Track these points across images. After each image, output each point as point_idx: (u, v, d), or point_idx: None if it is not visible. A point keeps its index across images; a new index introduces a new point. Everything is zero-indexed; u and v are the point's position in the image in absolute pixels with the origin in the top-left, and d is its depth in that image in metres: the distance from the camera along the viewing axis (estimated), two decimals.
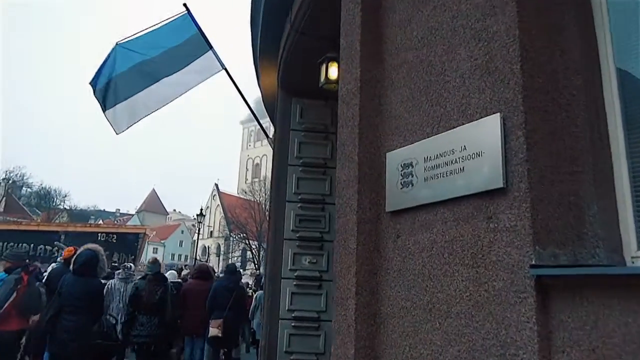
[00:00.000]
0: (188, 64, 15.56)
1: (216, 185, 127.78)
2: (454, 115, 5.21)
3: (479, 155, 4.75)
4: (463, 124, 5.04)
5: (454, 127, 5.15)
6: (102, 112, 14.70)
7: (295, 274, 10.72)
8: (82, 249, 11.91)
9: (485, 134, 4.73)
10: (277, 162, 11.94)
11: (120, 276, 15.11)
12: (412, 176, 5.53)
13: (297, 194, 10.92)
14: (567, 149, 4.60)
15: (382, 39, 6.57)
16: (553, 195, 4.34)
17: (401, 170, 5.73)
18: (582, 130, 4.69)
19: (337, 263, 6.07)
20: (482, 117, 4.83)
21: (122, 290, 14.80)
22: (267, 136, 13.29)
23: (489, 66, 4.85)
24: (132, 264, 15.45)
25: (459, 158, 4.97)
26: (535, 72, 4.61)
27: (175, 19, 16.04)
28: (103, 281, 13.50)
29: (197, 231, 53.28)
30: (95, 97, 14.88)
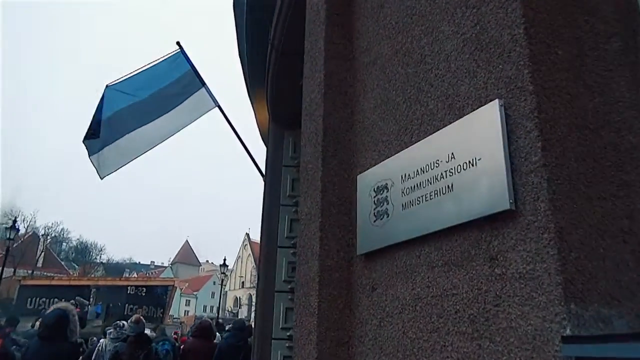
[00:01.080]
0: (180, 103, 14.70)
1: (247, 234, 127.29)
2: (438, 113, 3.66)
3: (472, 165, 3.16)
4: (450, 122, 3.48)
5: (438, 129, 3.60)
6: (87, 156, 13.83)
7: (288, 334, 9.00)
8: (50, 309, 10.51)
9: (480, 133, 3.16)
10: (267, 202, 10.50)
11: (111, 336, 13.67)
12: (387, 203, 3.94)
13: (290, 238, 9.25)
14: (608, 149, 2.96)
15: (352, 34, 5.18)
16: (592, 218, 2.68)
17: (374, 197, 4.16)
18: (628, 119, 3.06)
19: (297, 327, 4.43)
20: (474, 109, 3.27)
21: (113, 351, 13.36)
22: (262, 175, 11.93)
23: (480, 39, 3.34)
24: (124, 322, 14.00)
25: (445, 172, 3.39)
26: (547, 37, 3.05)
27: (167, 58, 15.33)
28: (95, 339, 11.87)
29: (220, 282, 51.70)
30: (83, 142, 14.10)
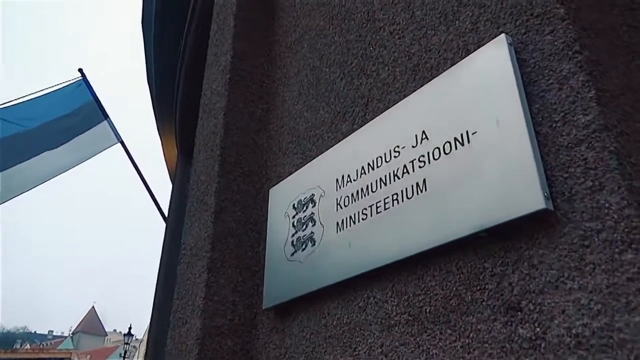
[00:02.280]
0: (78, 135, 12.64)
1: None
2: (395, 81, 2.36)
3: (460, 144, 1.83)
4: (415, 89, 2.16)
5: (395, 102, 2.26)
6: None
7: None
8: None
9: (471, 94, 1.86)
10: (166, 253, 8.58)
11: None
12: (313, 224, 2.48)
13: None
14: None
15: (274, 10, 3.87)
16: None
17: (293, 217, 2.67)
18: None
19: None
20: (457, 61, 1.98)
21: None
22: (164, 219, 10.05)
23: None
24: None
25: (411, 162, 2.02)
26: None
27: (68, 85, 13.34)
28: None
29: (123, 354, 45.52)
30: None
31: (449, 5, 2.19)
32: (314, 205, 2.55)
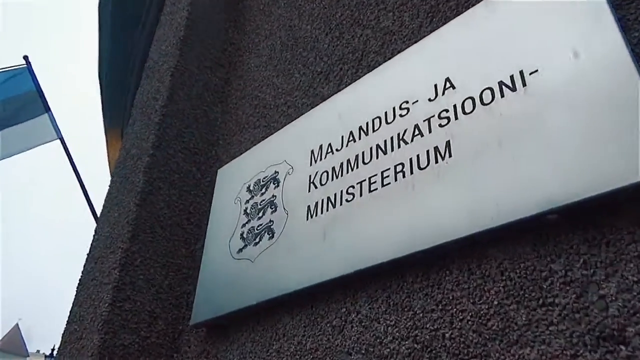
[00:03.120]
0: (12, 125, 11.39)
1: None
2: (408, 19, 1.76)
3: (513, 86, 1.21)
4: (435, 28, 1.57)
5: (405, 48, 1.65)
6: None
7: None
8: None
9: (531, 13, 1.27)
10: None
11: None
12: (274, 209, 1.79)
13: None
14: None
15: None
16: None
17: (246, 202, 1.97)
18: None
19: None
20: None
21: None
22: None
23: None
24: None
25: (437, 115, 1.39)
26: None
27: (9, 70, 12.15)
28: None
29: None
30: None
31: None
32: (277, 186, 1.87)
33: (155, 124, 2.51)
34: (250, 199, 1.99)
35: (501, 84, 1.27)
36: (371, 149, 1.55)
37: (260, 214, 1.88)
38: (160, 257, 2.18)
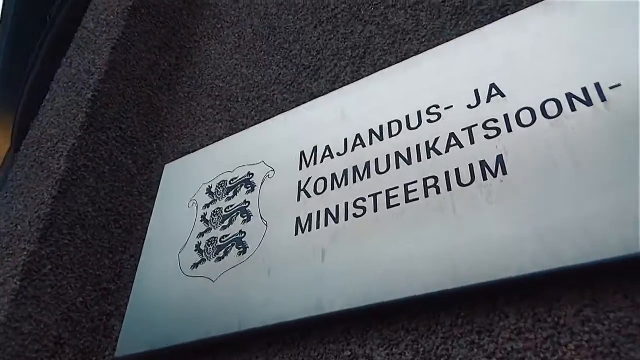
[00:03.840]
0: None
1: None
2: (426, 19, 1.54)
3: (589, 101, 1.01)
4: (468, 32, 1.37)
5: (423, 50, 1.43)
6: None
7: None
8: None
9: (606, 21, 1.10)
10: None
11: None
12: (246, 218, 1.44)
13: None
14: None
15: None
16: None
17: (205, 206, 1.60)
18: None
19: None
20: None
21: None
22: None
23: None
24: None
25: (482, 125, 1.16)
26: None
27: None
28: None
29: None
30: None
31: None
32: (251, 190, 1.52)
33: (88, 100, 2.04)
34: (211, 203, 1.61)
35: (570, 96, 1.08)
36: (388, 157, 1.28)
37: (227, 223, 1.51)
38: (76, 266, 1.70)
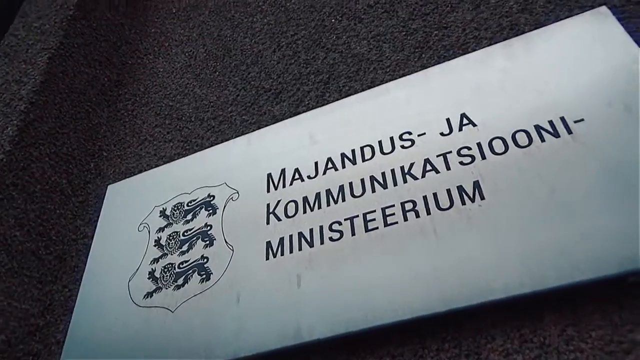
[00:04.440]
0: None
1: None
2: (389, 51, 1.60)
3: (556, 133, 1.10)
4: (430, 65, 1.43)
5: (386, 80, 1.47)
6: None
7: None
8: None
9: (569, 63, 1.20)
10: None
11: None
12: (208, 243, 1.37)
13: None
14: None
15: None
16: None
17: (159, 230, 1.50)
18: None
19: None
20: (519, 31, 1.36)
21: None
22: None
23: None
24: None
25: (456, 152, 1.19)
26: None
27: None
28: None
29: None
30: None
31: None
32: (213, 213, 1.44)
33: (20, 112, 1.85)
34: (166, 226, 1.50)
35: (539, 127, 1.15)
36: (363, 180, 1.28)
37: (185, 248, 1.41)
38: (1, 299, 1.49)
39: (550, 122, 1.15)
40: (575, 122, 1.12)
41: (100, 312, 1.40)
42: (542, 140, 1.13)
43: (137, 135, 2.02)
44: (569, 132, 1.11)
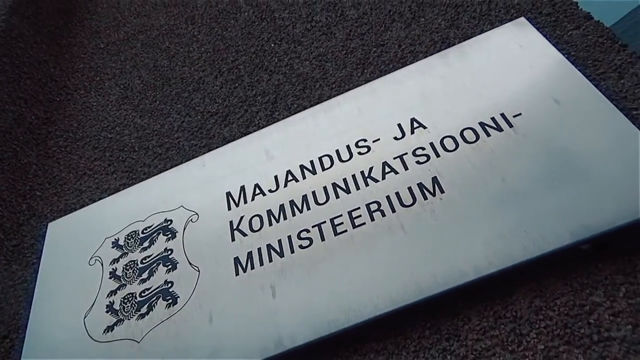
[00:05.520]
0: None
1: None
2: (333, 69, 1.68)
3: (498, 126, 1.22)
4: (373, 78, 1.53)
5: (342, 91, 1.54)
6: None
7: None
8: None
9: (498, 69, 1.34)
10: None
11: None
12: (171, 267, 1.33)
13: None
14: None
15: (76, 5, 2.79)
16: None
17: (113, 261, 1.43)
18: None
19: None
20: (441, 47, 1.50)
21: None
22: None
23: None
24: None
25: (411, 153, 1.27)
26: None
27: None
28: None
29: None
30: None
31: None
32: (172, 237, 1.40)
33: None
34: (121, 256, 1.42)
35: (483, 124, 1.25)
36: (325, 188, 1.31)
37: (146, 275, 1.34)
38: None
39: (493, 119, 1.26)
40: (514, 116, 1.24)
41: (54, 355, 1.28)
42: (488, 135, 1.23)
43: (74, 171, 1.91)
44: (510, 125, 1.23)
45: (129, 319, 1.27)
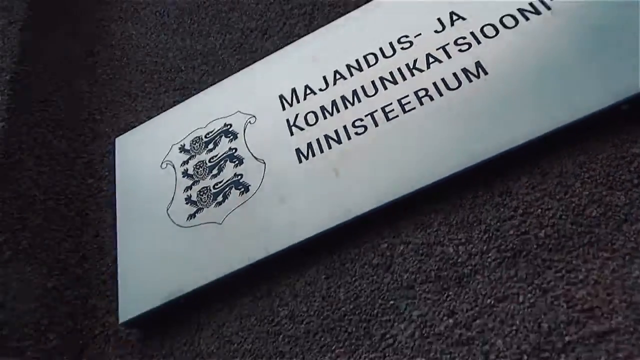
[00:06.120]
0: None
1: None
2: None
3: (537, 10, 1.30)
4: None
5: None
6: None
7: None
8: None
9: None
10: None
11: None
12: (238, 162, 1.49)
13: None
14: None
15: None
16: None
17: (184, 163, 1.59)
18: None
19: None
20: None
21: None
22: None
23: None
24: None
25: (452, 42, 1.36)
26: None
27: None
28: None
29: None
30: None
31: None
32: (235, 138, 1.54)
33: (7, 82, 1.83)
34: (189, 159, 1.58)
35: (521, 10, 1.34)
36: (373, 82, 1.43)
37: (216, 171, 1.50)
38: (37, 251, 1.52)
39: (530, 4, 1.34)
40: None
41: (146, 243, 1.47)
42: (527, 19, 1.32)
43: (126, 94, 2.04)
44: (548, 8, 1.31)
45: (207, 207, 1.44)
